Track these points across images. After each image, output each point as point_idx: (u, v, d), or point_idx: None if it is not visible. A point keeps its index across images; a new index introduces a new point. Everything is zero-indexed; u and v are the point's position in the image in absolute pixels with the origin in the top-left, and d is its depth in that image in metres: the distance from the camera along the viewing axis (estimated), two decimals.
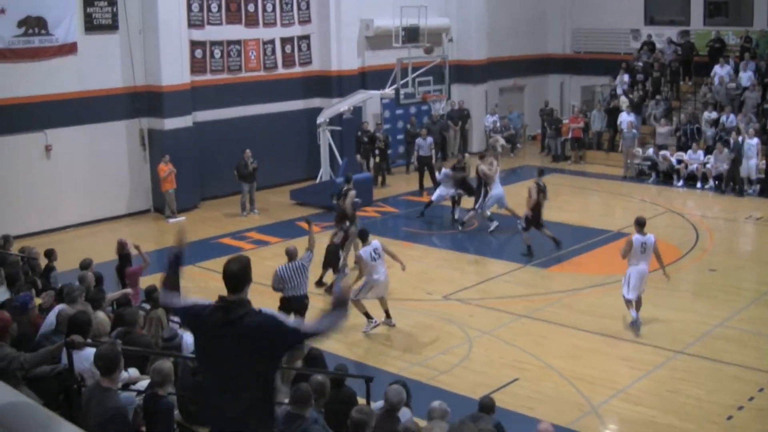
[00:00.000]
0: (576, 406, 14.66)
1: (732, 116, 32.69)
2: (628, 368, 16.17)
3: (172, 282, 7.77)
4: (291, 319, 7.67)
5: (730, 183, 30.49)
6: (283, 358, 7.86)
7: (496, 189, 26.01)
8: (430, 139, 32.00)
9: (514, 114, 39.83)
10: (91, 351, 10.29)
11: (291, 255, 17.18)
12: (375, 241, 18.23)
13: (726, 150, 30.49)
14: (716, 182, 30.98)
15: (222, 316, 7.29)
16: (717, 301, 19.94)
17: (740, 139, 30.63)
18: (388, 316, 18.43)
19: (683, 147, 32.65)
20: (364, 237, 18.40)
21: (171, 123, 28.47)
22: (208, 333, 7.44)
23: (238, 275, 7.43)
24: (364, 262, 17.83)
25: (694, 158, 31.67)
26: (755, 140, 30.11)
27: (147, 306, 14.50)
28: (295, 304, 16.87)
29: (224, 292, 7.21)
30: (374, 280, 17.89)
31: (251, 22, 31.27)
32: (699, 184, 31.34)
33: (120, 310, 13.37)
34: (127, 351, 9.30)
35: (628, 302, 18.28)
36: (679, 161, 32.25)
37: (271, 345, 7.29)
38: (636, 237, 18.07)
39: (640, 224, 18.21)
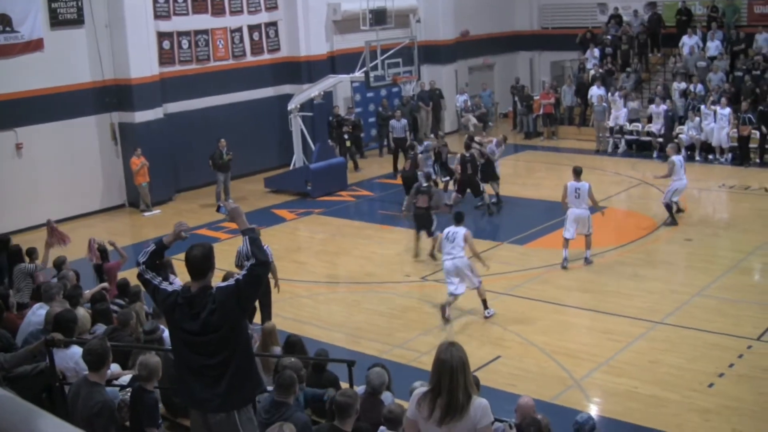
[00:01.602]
0: (559, 381, 14.72)
1: (700, 86, 32.85)
2: (609, 341, 16.26)
3: (151, 259, 7.98)
4: (232, 278, 7.81)
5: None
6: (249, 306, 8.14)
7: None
8: (404, 121, 32.07)
9: (486, 92, 39.81)
10: (74, 349, 10.30)
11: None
12: (461, 228, 17.79)
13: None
14: (688, 152, 31.11)
15: (187, 312, 7.56)
16: (694, 270, 20.10)
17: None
18: (485, 306, 17.94)
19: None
20: (459, 219, 18.17)
21: (141, 116, 28.28)
22: (177, 327, 7.73)
23: (201, 261, 7.70)
24: (439, 238, 19.08)
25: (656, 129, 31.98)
26: (727, 110, 30.24)
27: (121, 301, 14.50)
28: None
29: None
30: (443, 261, 18.10)
31: (218, 10, 31.09)
32: None
33: (97, 307, 13.27)
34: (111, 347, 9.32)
35: (564, 241, 20.56)
36: (649, 134, 32.56)
37: (235, 309, 7.67)
38: (570, 184, 20.54)
39: (577, 173, 20.60)
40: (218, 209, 8.20)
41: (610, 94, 33.68)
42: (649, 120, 32.85)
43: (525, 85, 40.13)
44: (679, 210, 24.15)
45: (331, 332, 17.43)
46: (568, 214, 20.59)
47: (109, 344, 9.18)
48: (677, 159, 23.47)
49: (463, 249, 17.65)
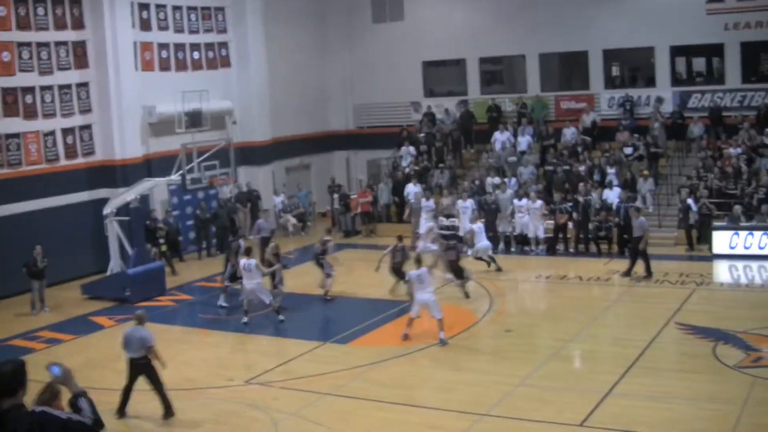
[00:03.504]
0: None
1: (513, 180, 33.74)
2: None
3: None
4: (64, 413, 7.51)
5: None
6: None
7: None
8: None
9: (302, 192, 40.00)
10: None
11: (138, 319, 17.84)
12: (252, 260, 24.66)
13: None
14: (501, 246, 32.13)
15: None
16: (516, 360, 20.33)
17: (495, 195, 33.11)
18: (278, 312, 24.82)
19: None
20: (248, 252, 25.15)
21: None
22: None
23: (11, 378, 7.37)
24: (238, 269, 25.09)
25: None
26: (539, 203, 31.12)
27: None
28: (135, 363, 17.53)
29: None
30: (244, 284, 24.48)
31: (30, 113, 30.44)
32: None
33: None
34: None
35: (410, 320, 22.18)
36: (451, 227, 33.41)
37: None
38: (413, 273, 22.24)
39: (417, 261, 22.58)
40: (49, 368, 7.87)
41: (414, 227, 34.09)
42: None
43: (341, 183, 40.54)
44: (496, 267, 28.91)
45: None
46: (416, 299, 21.90)
47: None
48: (476, 227, 29.04)
49: (260, 275, 24.43)
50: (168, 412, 17.67)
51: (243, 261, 24.63)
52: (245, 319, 24.54)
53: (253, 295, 24.42)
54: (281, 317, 24.84)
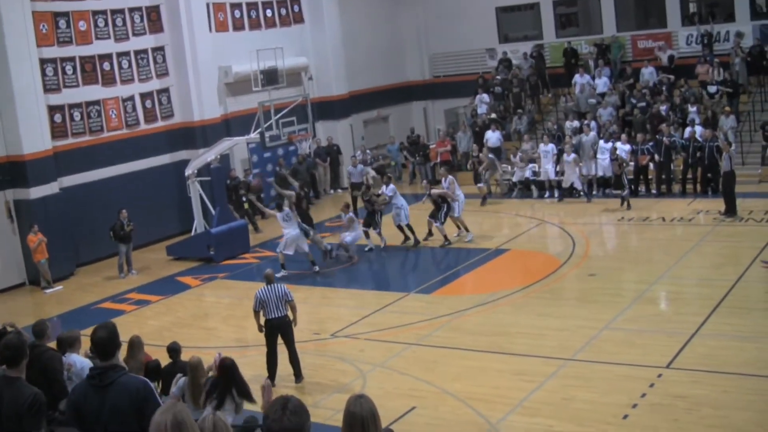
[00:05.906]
0: (475, 427, 14.67)
1: (593, 123, 33.37)
2: (522, 381, 16.26)
3: None
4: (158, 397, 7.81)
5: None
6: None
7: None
8: (360, 167, 33.52)
9: (394, 146, 39.89)
10: None
11: (268, 278, 17.67)
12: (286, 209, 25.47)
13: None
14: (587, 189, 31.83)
15: (96, 383, 7.49)
16: (600, 304, 20.26)
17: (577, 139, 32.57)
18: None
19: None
20: (279, 207, 25.44)
21: (37, 192, 27.79)
22: (86, 407, 7.60)
23: (107, 342, 7.64)
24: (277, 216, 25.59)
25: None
26: (627, 146, 30.72)
27: None
28: (276, 323, 17.41)
29: None
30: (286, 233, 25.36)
31: (108, 80, 30.82)
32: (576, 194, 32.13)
33: None
34: None
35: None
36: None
37: (140, 412, 7.52)
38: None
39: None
40: None
41: (511, 156, 33.93)
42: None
43: (420, 134, 40.39)
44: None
45: None
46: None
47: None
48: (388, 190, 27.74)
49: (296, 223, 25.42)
50: (298, 375, 17.65)
51: (279, 213, 25.42)
52: (283, 272, 25.00)
53: (296, 243, 25.27)
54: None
